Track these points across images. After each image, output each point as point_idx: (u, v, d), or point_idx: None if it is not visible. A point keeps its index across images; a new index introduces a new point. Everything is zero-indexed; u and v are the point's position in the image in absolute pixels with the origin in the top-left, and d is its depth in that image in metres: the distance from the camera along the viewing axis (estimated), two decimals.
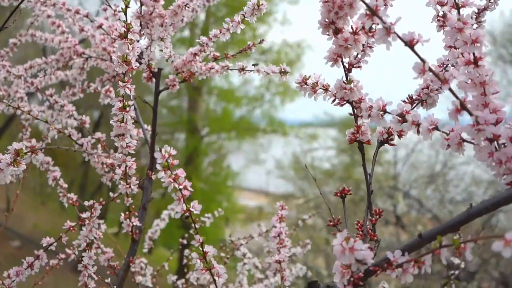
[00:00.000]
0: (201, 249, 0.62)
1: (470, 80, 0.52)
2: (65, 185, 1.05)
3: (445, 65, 0.67)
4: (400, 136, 0.64)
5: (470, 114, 0.49)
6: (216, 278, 0.61)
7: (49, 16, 1.16)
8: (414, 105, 0.66)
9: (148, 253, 1.41)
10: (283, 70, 0.80)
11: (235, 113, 11.51)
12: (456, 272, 1.03)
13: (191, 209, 0.60)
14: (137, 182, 0.88)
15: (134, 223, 0.93)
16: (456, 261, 1.06)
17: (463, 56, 0.54)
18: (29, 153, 0.66)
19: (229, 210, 10.27)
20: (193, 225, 0.61)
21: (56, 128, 0.92)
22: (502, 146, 0.50)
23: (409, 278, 0.49)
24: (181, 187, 0.59)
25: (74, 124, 1.19)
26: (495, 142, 0.49)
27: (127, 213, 0.92)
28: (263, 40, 0.95)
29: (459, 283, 5.24)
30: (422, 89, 0.66)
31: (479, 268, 5.56)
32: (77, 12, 1.05)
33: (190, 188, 0.60)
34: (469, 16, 0.52)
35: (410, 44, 0.49)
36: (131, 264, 0.95)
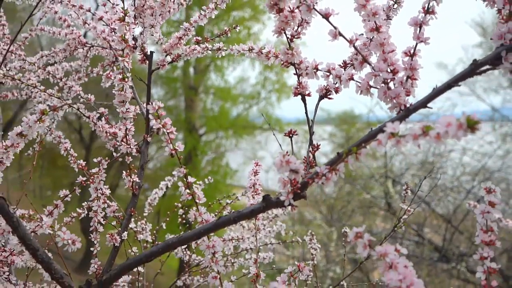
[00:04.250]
0: (185, 179, 0.81)
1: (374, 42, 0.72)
2: (75, 154, 1.24)
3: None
4: (336, 91, 0.84)
5: (370, 65, 0.69)
6: (197, 201, 0.81)
7: (56, 12, 1.35)
8: (347, 67, 0.85)
9: None
10: (250, 48, 0.99)
11: (232, 111, 11.70)
12: (405, 216, 1.22)
13: (176, 147, 0.80)
14: (136, 143, 1.08)
15: (134, 180, 1.12)
16: (404, 206, 1.25)
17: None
18: (52, 111, 0.85)
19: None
20: (178, 161, 0.81)
21: (67, 103, 1.11)
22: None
23: (331, 185, 0.69)
24: (168, 131, 0.78)
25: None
26: (388, 84, 0.69)
27: (128, 171, 1.11)
28: (237, 25, 1.15)
29: (449, 264, 5.44)
30: (353, 55, 0.86)
31: (468, 251, 5.77)
32: (80, 7, 1.25)
33: (175, 132, 0.79)
34: None
35: (326, 16, 0.68)
36: (132, 214, 1.14)
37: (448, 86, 0.63)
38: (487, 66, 0.62)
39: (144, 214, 1.50)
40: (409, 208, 1.20)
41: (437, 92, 0.64)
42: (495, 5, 0.65)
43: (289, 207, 0.74)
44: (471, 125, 0.46)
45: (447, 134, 0.48)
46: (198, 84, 11.15)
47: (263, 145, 12.26)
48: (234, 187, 11.50)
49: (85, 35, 1.48)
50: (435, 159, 7.06)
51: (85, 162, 1.21)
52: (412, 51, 0.70)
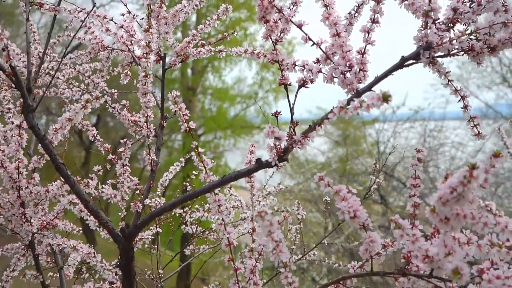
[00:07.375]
0: (196, 150, 1.07)
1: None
2: (101, 140, 1.50)
3: None
4: (311, 82, 1.09)
5: (331, 61, 0.95)
6: (206, 166, 1.07)
7: (82, 21, 1.60)
8: (320, 63, 1.11)
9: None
10: (246, 50, 1.25)
11: (229, 111, 11.96)
12: (375, 186, 1.47)
13: (189, 125, 1.05)
14: (155, 127, 1.33)
15: (153, 157, 1.38)
16: (372, 177, 1.50)
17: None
18: (94, 99, 1.11)
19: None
20: (192, 136, 1.07)
21: (98, 96, 1.37)
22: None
23: (305, 148, 0.94)
24: (183, 113, 1.04)
25: None
26: (345, 75, 0.95)
27: (147, 150, 1.37)
28: (234, 31, 1.40)
29: None
30: (322, 54, 1.11)
31: None
32: (104, 17, 1.50)
33: (188, 114, 1.05)
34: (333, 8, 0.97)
35: (299, 26, 0.94)
36: (151, 186, 1.40)
37: (385, 75, 0.89)
38: (412, 61, 0.88)
39: (157, 193, 1.76)
40: (378, 180, 1.45)
41: (378, 79, 0.89)
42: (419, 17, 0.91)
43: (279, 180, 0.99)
44: (385, 98, 0.72)
45: (373, 105, 0.74)
46: (196, 85, 11.41)
47: (261, 144, 12.48)
48: (233, 186, 11.73)
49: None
50: (428, 153, 7.34)
51: (108, 147, 1.46)
52: (363, 51, 0.95)
